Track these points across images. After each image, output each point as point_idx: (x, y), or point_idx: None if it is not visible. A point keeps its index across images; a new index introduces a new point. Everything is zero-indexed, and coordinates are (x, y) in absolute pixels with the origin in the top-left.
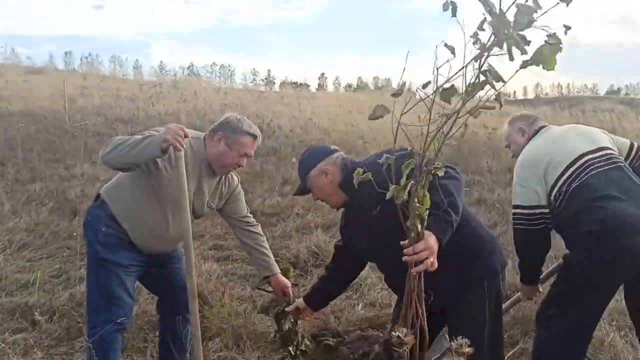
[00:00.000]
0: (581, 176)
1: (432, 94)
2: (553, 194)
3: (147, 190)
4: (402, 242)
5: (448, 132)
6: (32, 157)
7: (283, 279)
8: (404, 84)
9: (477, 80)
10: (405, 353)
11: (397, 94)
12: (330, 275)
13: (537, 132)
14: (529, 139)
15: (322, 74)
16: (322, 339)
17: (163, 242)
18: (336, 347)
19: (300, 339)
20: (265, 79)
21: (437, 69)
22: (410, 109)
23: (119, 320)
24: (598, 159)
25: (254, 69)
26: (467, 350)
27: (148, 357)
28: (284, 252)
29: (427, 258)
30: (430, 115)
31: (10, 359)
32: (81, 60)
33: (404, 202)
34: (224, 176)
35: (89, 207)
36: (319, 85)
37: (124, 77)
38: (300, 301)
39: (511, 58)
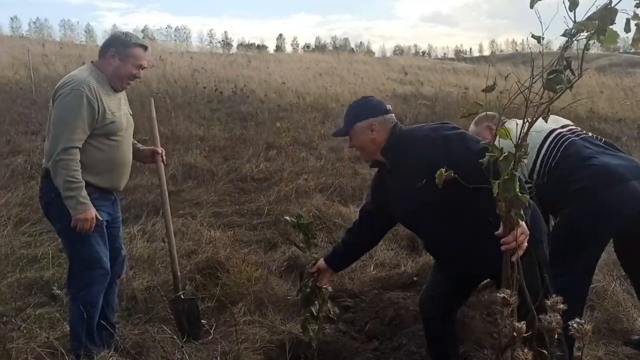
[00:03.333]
0: (558, 147)
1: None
2: (535, 171)
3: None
4: (496, 233)
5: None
6: (5, 130)
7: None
8: (494, 83)
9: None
10: (509, 314)
11: (489, 89)
12: (357, 236)
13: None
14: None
15: (280, 34)
16: (340, 300)
17: (127, 168)
18: (353, 307)
19: (322, 301)
20: (223, 41)
21: (533, 59)
22: (511, 101)
23: None
24: (566, 132)
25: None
26: (562, 306)
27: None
28: (286, 217)
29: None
30: (527, 103)
31: (39, 333)
32: (29, 25)
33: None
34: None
35: (44, 185)
36: (277, 46)
37: (81, 42)
38: (321, 262)
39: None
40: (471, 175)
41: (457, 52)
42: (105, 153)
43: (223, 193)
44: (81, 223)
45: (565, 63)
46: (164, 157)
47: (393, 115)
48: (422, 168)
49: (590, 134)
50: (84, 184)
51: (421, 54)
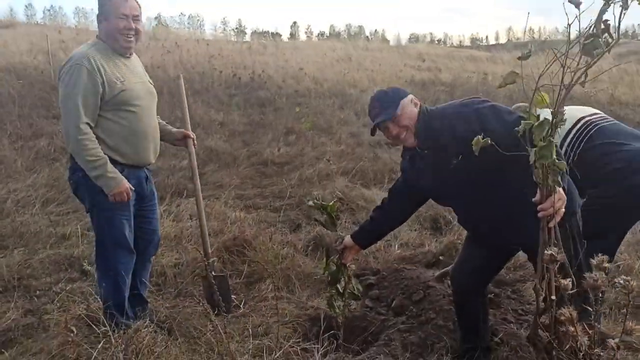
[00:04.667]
0: (587, 133)
1: (567, 50)
2: (562, 155)
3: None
4: (534, 199)
5: (568, 85)
6: (27, 113)
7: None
8: (530, 48)
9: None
10: (555, 270)
11: (524, 57)
12: (385, 214)
13: None
14: None
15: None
16: (363, 278)
17: (151, 139)
18: (377, 284)
19: (347, 278)
20: (236, 28)
21: (570, 24)
22: (548, 67)
23: None
24: (596, 118)
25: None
26: (608, 265)
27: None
28: (308, 198)
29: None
30: (564, 71)
31: (73, 307)
32: (43, 12)
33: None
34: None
35: (71, 165)
36: (291, 34)
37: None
38: (347, 239)
39: None
40: (507, 146)
41: (473, 39)
42: (124, 125)
43: (245, 176)
44: (118, 197)
45: (603, 27)
46: (195, 142)
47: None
48: (456, 144)
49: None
50: (107, 159)
51: (437, 41)
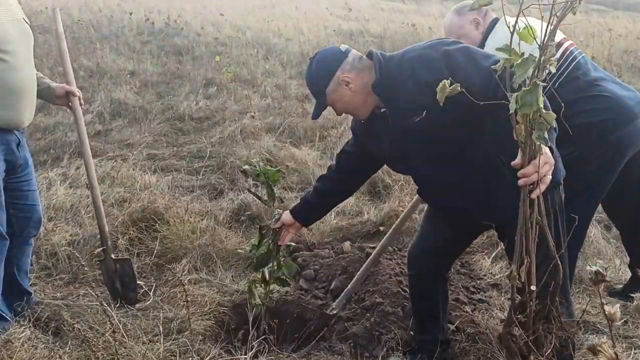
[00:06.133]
0: (567, 65)
1: None
2: None
3: None
4: (514, 163)
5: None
6: None
7: None
8: None
9: None
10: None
11: None
12: (333, 183)
13: (493, 24)
14: (485, 33)
15: None
16: (297, 255)
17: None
18: (312, 262)
19: (279, 262)
20: None
21: None
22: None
23: None
24: (573, 48)
25: None
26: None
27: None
28: (231, 159)
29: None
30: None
31: None
32: None
33: (517, 110)
34: None
35: None
36: None
37: None
38: (286, 216)
39: None
40: (482, 98)
41: None
42: None
43: (158, 133)
44: None
45: None
46: (82, 100)
47: (354, 50)
48: (418, 96)
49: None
50: None
51: None
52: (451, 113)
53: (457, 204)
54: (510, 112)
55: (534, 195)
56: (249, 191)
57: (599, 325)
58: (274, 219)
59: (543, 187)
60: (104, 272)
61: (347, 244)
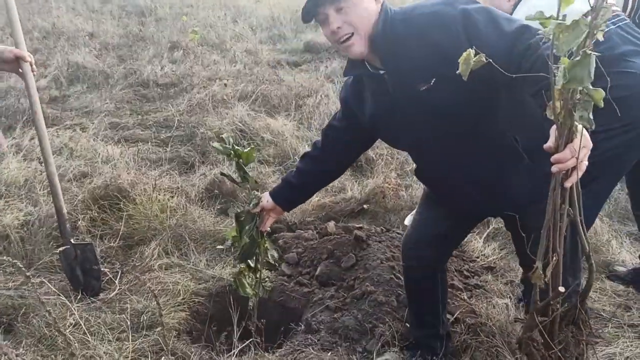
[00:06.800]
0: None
1: None
2: None
3: None
4: (546, 146)
5: None
6: None
7: None
8: None
9: None
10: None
11: None
12: (318, 162)
13: None
14: (515, 5)
15: None
16: (278, 236)
17: None
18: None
19: (263, 249)
20: None
21: None
22: None
23: None
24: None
25: None
26: None
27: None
28: (203, 130)
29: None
30: None
31: None
32: None
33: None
34: None
35: None
36: None
37: None
38: (266, 200)
39: None
40: (505, 67)
41: None
42: None
43: (121, 100)
44: None
45: None
46: (35, 66)
47: None
48: (428, 61)
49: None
50: None
51: None
52: (465, 85)
53: (463, 188)
54: (556, 86)
55: (568, 184)
56: (222, 173)
57: (602, 313)
58: (252, 204)
59: (580, 173)
60: (62, 259)
61: (331, 224)
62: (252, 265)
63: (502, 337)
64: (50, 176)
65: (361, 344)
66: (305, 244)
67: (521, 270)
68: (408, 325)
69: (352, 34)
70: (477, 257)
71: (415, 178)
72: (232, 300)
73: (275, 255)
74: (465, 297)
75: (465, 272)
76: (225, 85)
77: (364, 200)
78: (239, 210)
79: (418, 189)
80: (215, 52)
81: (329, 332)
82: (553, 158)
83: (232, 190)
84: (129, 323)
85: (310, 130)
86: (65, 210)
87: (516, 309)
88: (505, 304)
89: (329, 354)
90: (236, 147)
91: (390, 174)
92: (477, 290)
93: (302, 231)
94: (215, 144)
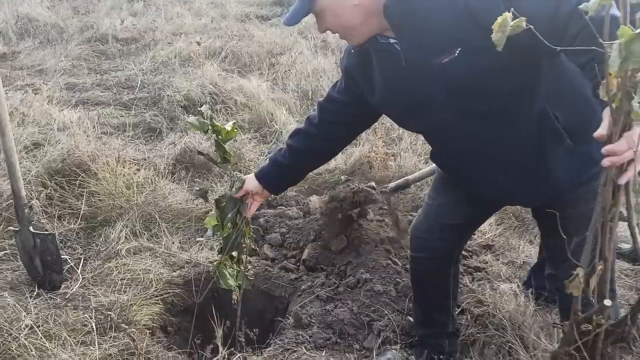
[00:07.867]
0: None
1: None
2: None
3: None
4: (597, 134)
5: None
6: None
7: None
8: None
9: None
10: None
11: None
12: (312, 139)
13: None
14: None
15: None
16: (258, 213)
17: None
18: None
19: (247, 238)
20: None
21: None
22: None
23: None
24: None
25: None
26: None
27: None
28: (170, 92)
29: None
30: None
31: None
32: None
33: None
34: None
35: None
36: None
37: None
38: (252, 182)
39: None
40: (546, 38)
41: None
42: None
43: (77, 57)
44: None
45: None
46: None
47: None
48: (455, 28)
49: None
50: None
51: None
52: (499, 54)
53: (493, 175)
54: (612, 67)
55: (623, 180)
56: (199, 152)
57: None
58: (234, 187)
59: (638, 167)
60: (19, 248)
61: (314, 198)
62: (235, 255)
63: (514, 331)
64: (8, 152)
65: (358, 340)
66: (290, 223)
67: (523, 249)
68: (411, 320)
69: (342, 33)
70: (474, 234)
71: (404, 146)
72: (212, 292)
73: (255, 235)
74: (468, 282)
75: (463, 252)
76: (199, 44)
77: (350, 171)
78: (220, 196)
79: (407, 157)
80: (179, 3)
81: (322, 327)
82: (605, 149)
83: (206, 162)
84: (93, 324)
85: (287, 92)
86: (24, 193)
87: (525, 296)
88: (512, 290)
89: (324, 352)
90: (215, 123)
91: (377, 142)
92: (479, 273)
93: (284, 207)
94: (191, 119)
